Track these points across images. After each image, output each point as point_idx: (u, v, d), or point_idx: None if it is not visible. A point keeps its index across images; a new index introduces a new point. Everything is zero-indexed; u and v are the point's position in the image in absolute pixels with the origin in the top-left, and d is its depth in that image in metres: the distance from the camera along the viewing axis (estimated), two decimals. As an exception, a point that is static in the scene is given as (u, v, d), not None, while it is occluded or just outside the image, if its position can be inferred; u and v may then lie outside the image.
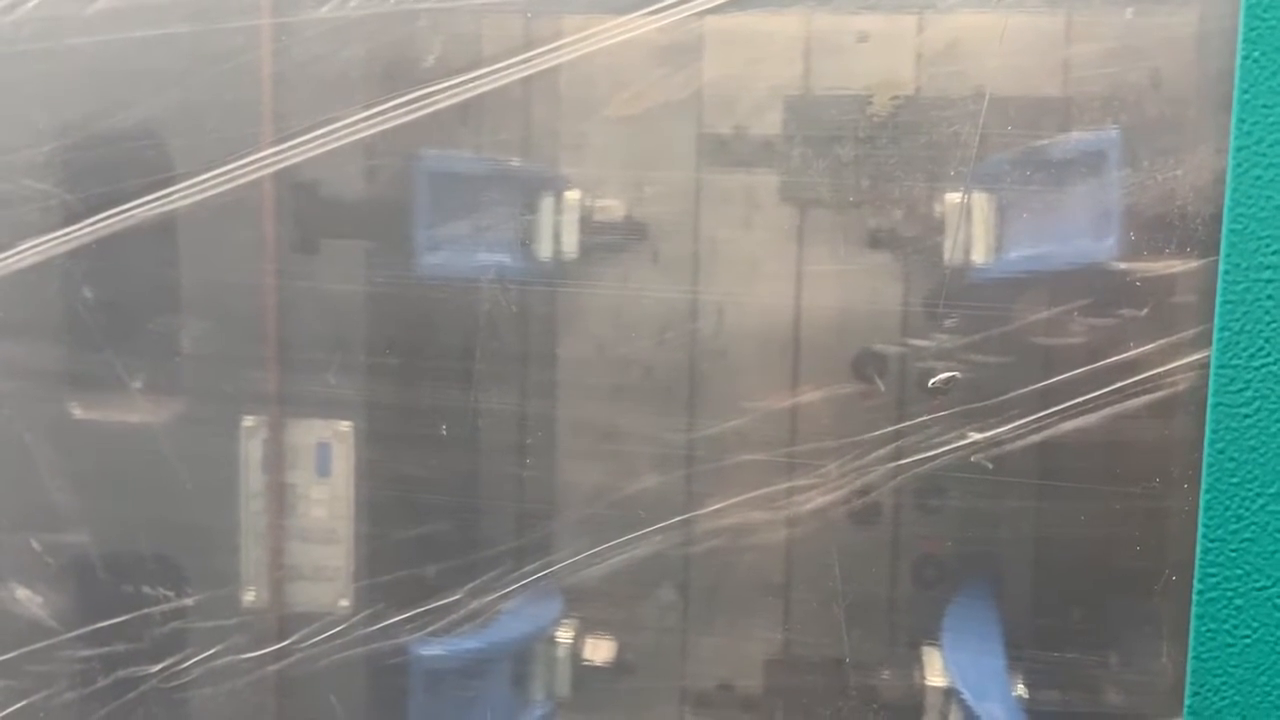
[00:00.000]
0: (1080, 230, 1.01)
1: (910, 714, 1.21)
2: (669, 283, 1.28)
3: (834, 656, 1.59)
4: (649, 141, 1.25)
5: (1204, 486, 0.90)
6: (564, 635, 1.31)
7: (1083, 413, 0.95)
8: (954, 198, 1.10)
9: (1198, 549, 0.91)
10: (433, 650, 1.27)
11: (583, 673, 1.32)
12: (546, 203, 1.26)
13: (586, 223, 1.27)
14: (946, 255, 1.10)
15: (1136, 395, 0.96)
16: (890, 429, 1.07)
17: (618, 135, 1.26)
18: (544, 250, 1.25)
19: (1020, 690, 1.13)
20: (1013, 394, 0.99)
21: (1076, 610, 1.10)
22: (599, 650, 1.34)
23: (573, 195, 1.26)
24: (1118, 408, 0.96)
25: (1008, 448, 0.99)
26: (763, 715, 1.37)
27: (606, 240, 1.28)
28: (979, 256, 1.10)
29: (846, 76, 1.20)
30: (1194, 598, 0.92)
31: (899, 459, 1.06)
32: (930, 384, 1.06)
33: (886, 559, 1.24)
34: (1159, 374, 0.96)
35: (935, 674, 1.20)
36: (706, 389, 1.30)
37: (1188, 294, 0.95)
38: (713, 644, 1.32)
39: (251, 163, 1.23)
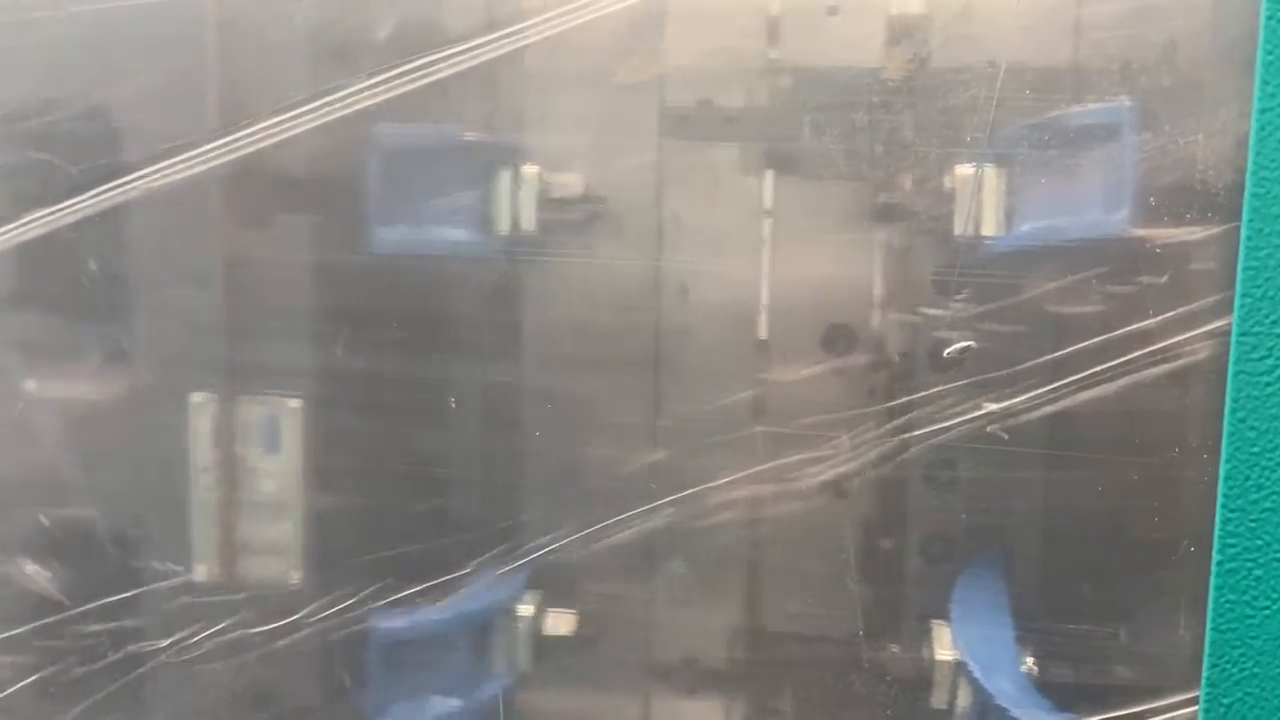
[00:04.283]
0: (1098, 198, 0.99)
1: (920, 688, 1.21)
2: (634, 255, 1.26)
3: (845, 631, 1.60)
4: (613, 116, 1.23)
5: (1224, 456, 0.89)
6: (525, 609, 1.29)
7: (1100, 382, 0.94)
8: (965, 169, 1.09)
9: (1217, 519, 0.90)
10: (392, 624, 1.25)
11: (544, 644, 1.30)
12: (504, 177, 1.23)
13: (545, 198, 1.25)
14: (959, 228, 1.09)
15: (1155, 364, 0.95)
16: (903, 400, 1.06)
17: (580, 110, 1.23)
18: (502, 225, 1.23)
19: (1043, 664, 1.12)
20: (1029, 364, 0.98)
21: (1093, 582, 1.08)
22: (561, 623, 1.31)
23: (531, 169, 1.24)
24: (1136, 377, 0.95)
25: (1023, 418, 0.98)
26: (771, 689, 1.37)
27: (569, 216, 1.26)
28: (992, 228, 1.08)
29: (818, 50, 1.17)
30: (1213, 568, 0.91)
31: (912, 430, 1.04)
32: (945, 354, 1.04)
33: (898, 532, 1.24)
34: (1179, 342, 0.94)
35: (945, 648, 1.20)
36: (685, 365, 1.28)
37: (1208, 261, 0.93)
38: (723, 620, 1.31)
39: (221, 145, 1.21)
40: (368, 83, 1.19)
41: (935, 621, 1.21)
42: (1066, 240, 1.01)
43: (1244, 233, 0.87)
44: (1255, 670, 0.91)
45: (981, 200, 1.08)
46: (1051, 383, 0.95)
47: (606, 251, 1.26)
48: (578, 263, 1.28)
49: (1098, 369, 0.94)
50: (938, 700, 1.20)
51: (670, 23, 1.20)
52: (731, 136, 1.24)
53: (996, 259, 1.05)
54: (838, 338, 1.23)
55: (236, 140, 1.21)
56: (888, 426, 1.07)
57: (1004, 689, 1.14)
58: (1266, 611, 0.90)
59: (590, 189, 1.26)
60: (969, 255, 1.07)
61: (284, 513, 1.30)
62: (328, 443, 1.29)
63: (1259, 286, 0.87)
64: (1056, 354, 0.95)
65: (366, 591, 1.26)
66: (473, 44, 1.18)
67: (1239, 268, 0.88)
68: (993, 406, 0.99)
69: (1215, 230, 0.93)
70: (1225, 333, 0.89)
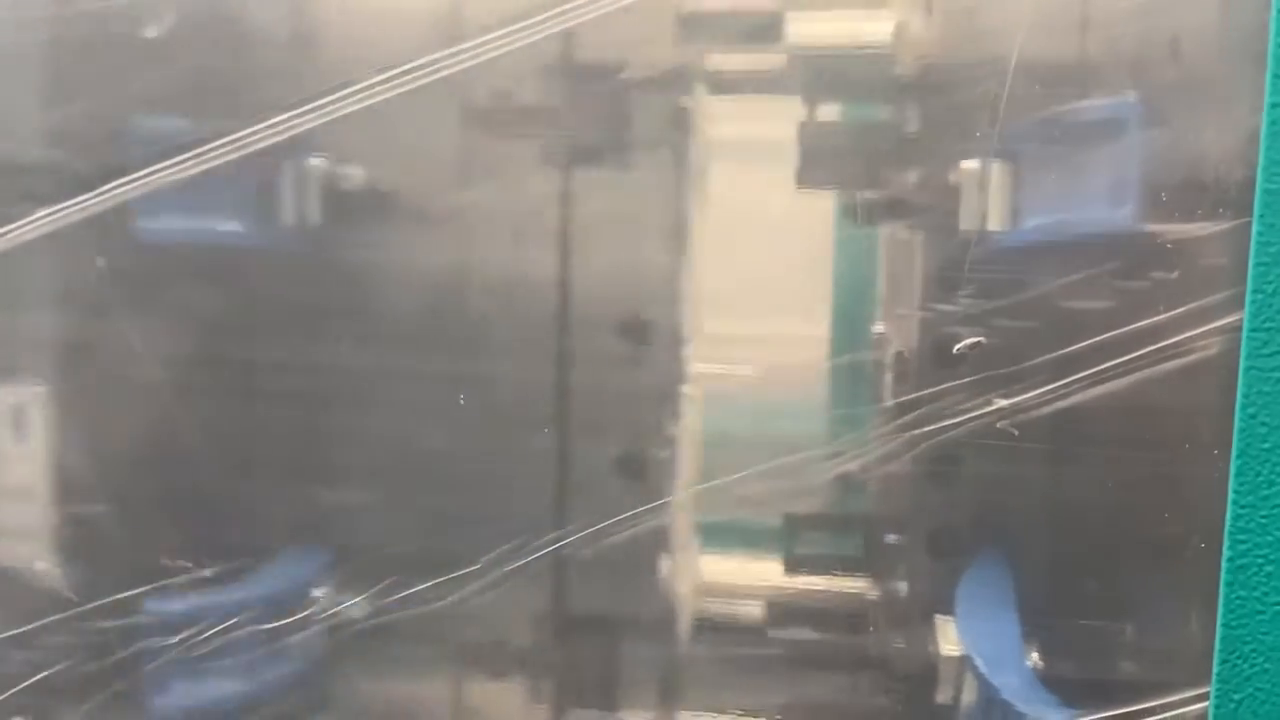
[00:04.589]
0: (1107, 193, 0.99)
1: (926, 684, 1.21)
2: (433, 250, 1.26)
3: (852, 625, 1.59)
4: (410, 108, 1.22)
5: (1235, 452, 0.89)
6: (320, 592, 1.28)
7: (1111, 378, 0.94)
8: (970, 165, 1.08)
9: (1228, 515, 0.90)
10: (169, 606, 1.25)
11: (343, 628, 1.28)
12: (287, 168, 1.22)
13: (331, 190, 1.24)
14: (966, 223, 1.08)
15: (1166, 360, 0.94)
16: (912, 396, 1.06)
17: (374, 103, 1.21)
18: (286, 217, 1.23)
19: (1049, 660, 1.11)
20: (1038, 359, 0.97)
21: (1101, 578, 1.08)
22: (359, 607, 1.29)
23: (315, 161, 1.23)
24: (1146, 373, 0.95)
25: (1033, 414, 0.97)
26: (777, 684, 1.37)
27: (354, 207, 1.26)
28: (999, 224, 1.07)
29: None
30: (1223, 564, 0.91)
31: (920, 426, 1.04)
32: (955, 350, 1.04)
33: (905, 527, 1.23)
34: (1189, 338, 0.94)
35: (950, 643, 1.20)
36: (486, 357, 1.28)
37: (1219, 256, 0.93)
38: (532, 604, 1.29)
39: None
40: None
41: (940, 617, 1.21)
42: (1075, 235, 1.00)
43: (1255, 228, 0.87)
44: (1266, 666, 0.91)
45: (988, 196, 1.07)
46: (1061, 379, 0.95)
47: (405, 247, 1.26)
48: (366, 258, 1.26)
49: (1108, 365, 0.94)
50: (942, 696, 1.19)
51: (467, 16, 1.19)
52: (531, 131, 1.23)
53: (1004, 254, 1.04)
54: (636, 329, 1.25)
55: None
56: (896, 423, 1.06)
57: (1010, 684, 1.14)
58: (1277, 607, 0.90)
59: (382, 182, 1.25)
60: (978, 250, 1.07)
61: (32, 500, 1.31)
62: (79, 431, 1.30)
63: (1270, 282, 0.87)
64: (1066, 350, 0.95)
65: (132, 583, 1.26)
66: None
67: (1250, 263, 0.87)
68: (1002, 403, 0.99)
69: (1226, 226, 0.93)
70: (1236, 328, 0.89)
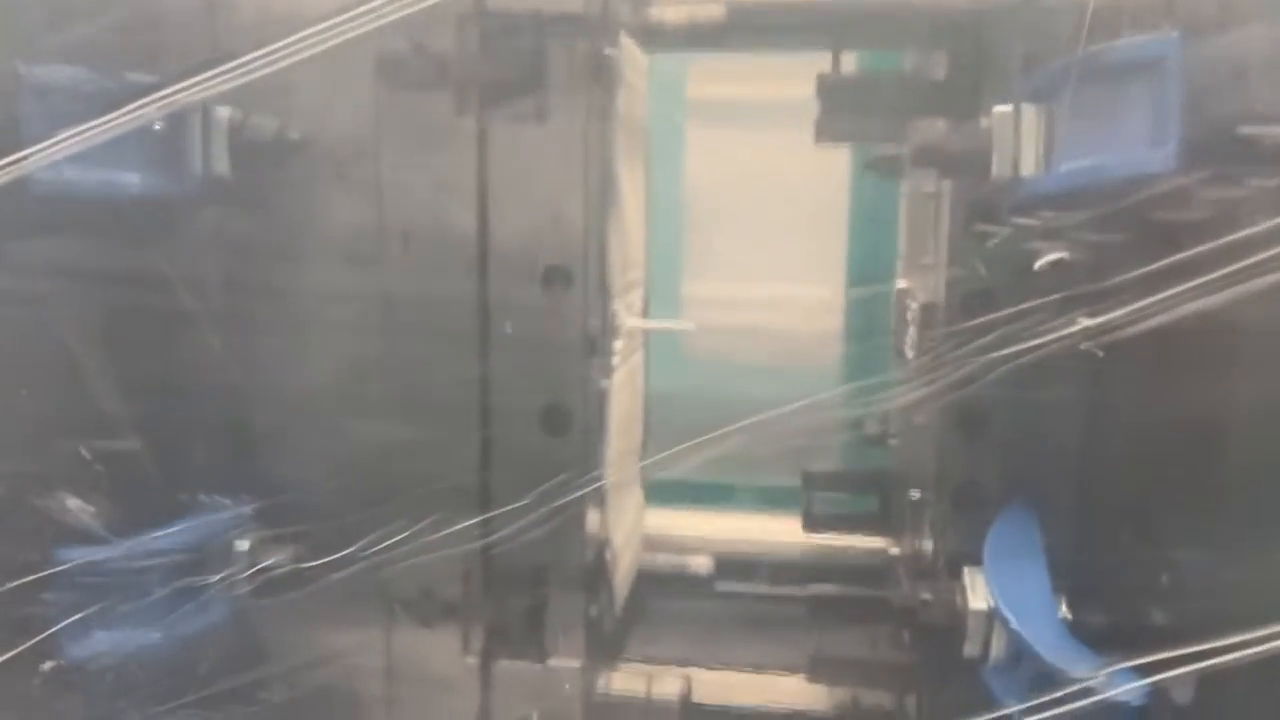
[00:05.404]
0: (1201, 89, 0.91)
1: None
2: (350, 200, 1.26)
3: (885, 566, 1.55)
4: (325, 59, 1.17)
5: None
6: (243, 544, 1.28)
7: (1206, 293, 0.87)
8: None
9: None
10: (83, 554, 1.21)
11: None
12: (193, 119, 1.19)
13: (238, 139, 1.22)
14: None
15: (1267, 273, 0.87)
16: (989, 316, 0.99)
17: (289, 54, 1.15)
18: (193, 167, 1.20)
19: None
20: (1128, 275, 0.90)
21: (1201, 504, 1.01)
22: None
23: (223, 111, 1.20)
24: (1245, 287, 0.87)
25: (1121, 334, 0.90)
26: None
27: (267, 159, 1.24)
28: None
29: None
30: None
31: (1001, 348, 0.97)
32: (1036, 267, 0.97)
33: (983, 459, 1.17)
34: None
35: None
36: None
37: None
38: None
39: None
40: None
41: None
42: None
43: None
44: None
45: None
46: (1154, 294, 0.88)
47: (318, 196, 1.25)
48: (278, 207, 1.26)
49: (1205, 279, 0.87)
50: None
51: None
52: (446, 82, 1.23)
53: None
54: (556, 277, 1.25)
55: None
56: (971, 346, 0.99)
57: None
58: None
59: (292, 131, 1.24)
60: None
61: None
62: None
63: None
64: (1159, 263, 0.88)
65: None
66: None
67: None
68: (1088, 322, 0.92)
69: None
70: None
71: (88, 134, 1.06)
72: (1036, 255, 0.97)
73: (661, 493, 1.78)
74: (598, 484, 1.26)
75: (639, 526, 1.68)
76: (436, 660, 1.34)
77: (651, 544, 1.72)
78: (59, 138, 1.06)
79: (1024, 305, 0.95)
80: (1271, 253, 0.81)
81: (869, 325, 1.77)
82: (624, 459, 1.52)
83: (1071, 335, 0.91)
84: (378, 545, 1.22)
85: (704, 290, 2.13)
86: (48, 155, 1.08)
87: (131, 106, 1.06)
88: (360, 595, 1.29)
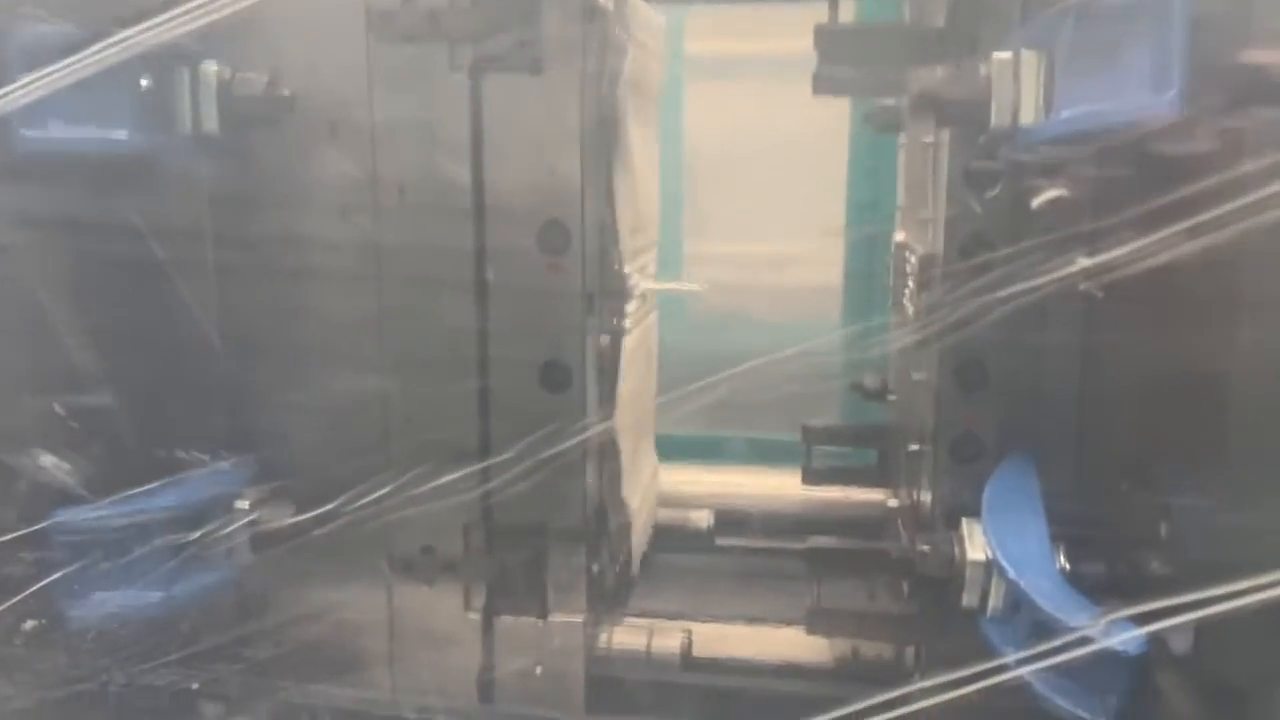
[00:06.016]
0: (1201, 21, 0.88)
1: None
2: (343, 155, 1.24)
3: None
4: (314, 14, 1.20)
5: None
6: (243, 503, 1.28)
7: (1210, 230, 0.84)
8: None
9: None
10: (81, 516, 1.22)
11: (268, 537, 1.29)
12: (181, 76, 1.18)
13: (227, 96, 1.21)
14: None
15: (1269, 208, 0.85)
16: (986, 255, 0.97)
17: (277, 9, 1.18)
18: (182, 124, 1.19)
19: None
20: (1128, 212, 0.88)
21: (1194, 447, 0.99)
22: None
23: (209, 67, 1.19)
24: (1249, 223, 0.85)
25: (1121, 274, 0.88)
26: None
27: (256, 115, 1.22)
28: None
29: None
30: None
31: (996, 289, 0.95)
32: (1034, 205, 0.95)
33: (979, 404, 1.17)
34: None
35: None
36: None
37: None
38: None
39: None
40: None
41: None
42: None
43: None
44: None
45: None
46: (1155, 232, 0.85)
47: (311, 152, 1.24)
48: (275, 163, 1.25)
49: (1208, 214, 0.84)
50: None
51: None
52: (439, 35, 1.21)
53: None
54: (554, 235, 1.23)
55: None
56: (968, 287, 0.97)
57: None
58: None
59: (283, 87, 1.22)
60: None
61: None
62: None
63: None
64: (1161, 199, 0.85)
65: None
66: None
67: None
68: (1086, 262, 0.90)
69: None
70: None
71: (57, 76, 1.05)
72: (1035, 194, 0.95)
73: (660, 448, 1.77)
74: (586, 434, 1.25)
75: (653, 489, 1.68)
76: (439, 617, 1.35)
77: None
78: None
79: (1022, 245, 0.93)
80: (1274, 189, 0.79)
81: (868, 278, 1.76)
82: (639, 420, 1.51)
83: (1070, 275, 0.89)
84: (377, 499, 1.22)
85: (705, 247, 2.12)
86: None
87: (99, 46, 1.04)
88: (361, 554, 1.30)
